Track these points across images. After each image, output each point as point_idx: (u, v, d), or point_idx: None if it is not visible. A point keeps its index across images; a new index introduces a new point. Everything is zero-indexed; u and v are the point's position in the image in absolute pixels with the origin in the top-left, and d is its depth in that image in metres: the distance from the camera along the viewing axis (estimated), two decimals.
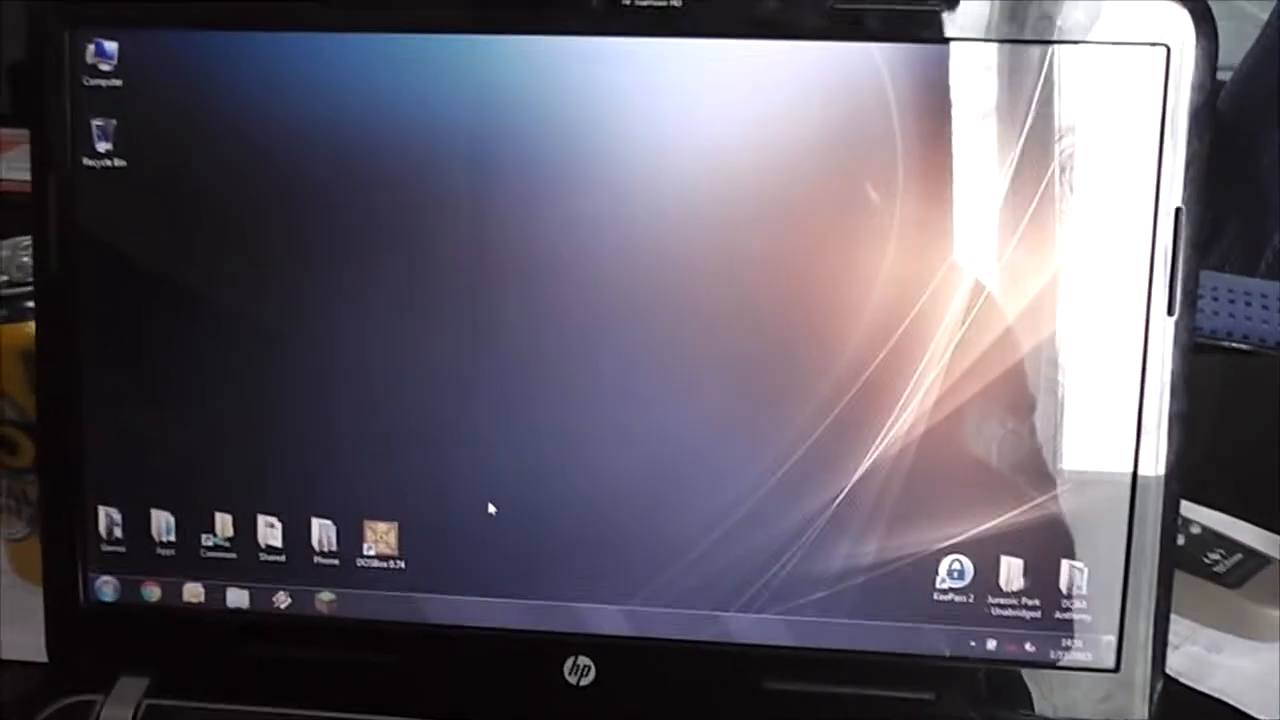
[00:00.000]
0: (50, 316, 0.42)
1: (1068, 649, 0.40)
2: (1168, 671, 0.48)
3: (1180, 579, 0.52)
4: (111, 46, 0.40)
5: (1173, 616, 0.51)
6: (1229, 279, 0.79)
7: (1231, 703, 0.47)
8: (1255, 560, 0.52)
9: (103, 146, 0.40)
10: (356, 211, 0.40)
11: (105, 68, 0.40)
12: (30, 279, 0.46)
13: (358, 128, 0.40)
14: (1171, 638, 0.50)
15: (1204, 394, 0.40)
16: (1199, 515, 0.55)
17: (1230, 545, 0.53)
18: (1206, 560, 0.52)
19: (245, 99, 0.40)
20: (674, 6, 0.38)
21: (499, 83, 0.39)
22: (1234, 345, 0.74)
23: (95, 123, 0.40)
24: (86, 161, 0.41)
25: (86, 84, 0.40)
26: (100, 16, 0.40)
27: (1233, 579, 0.51)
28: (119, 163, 0.41)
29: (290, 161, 0.40)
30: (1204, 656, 0.50)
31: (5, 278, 0.48)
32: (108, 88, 0.40)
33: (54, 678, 0.43)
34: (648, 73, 0.39)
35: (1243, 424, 0.66)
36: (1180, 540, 0.53)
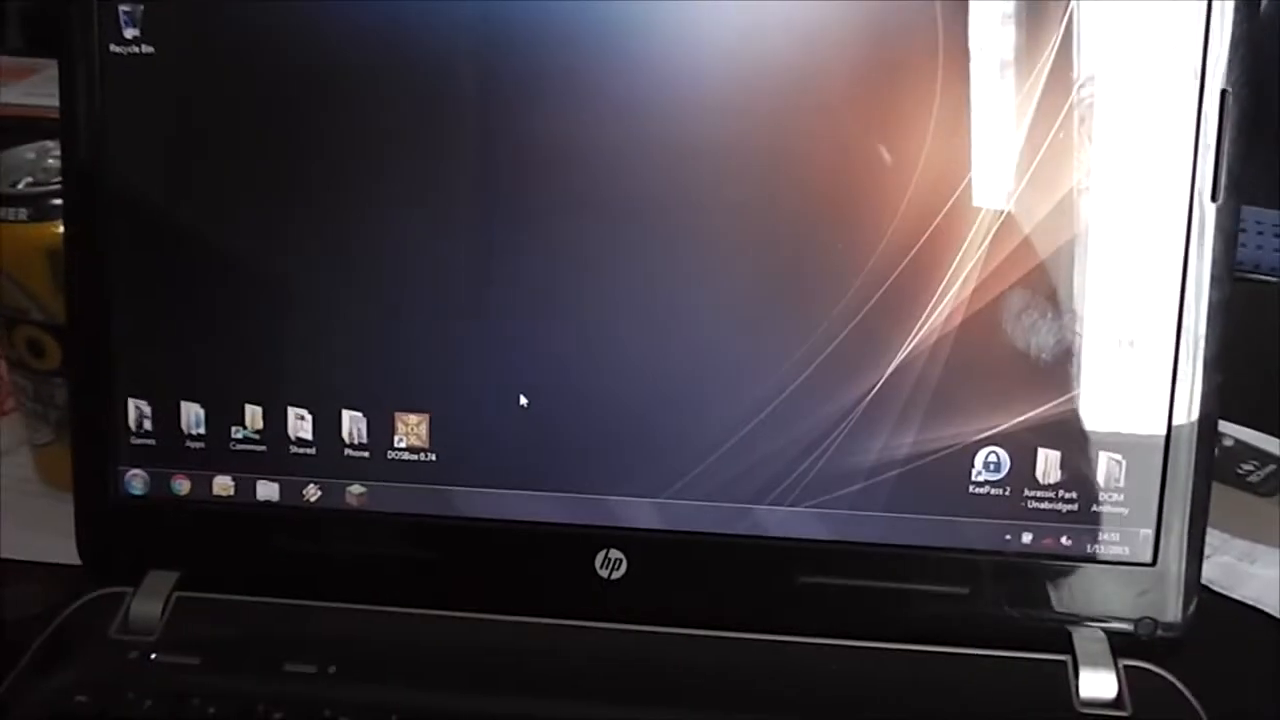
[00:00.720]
0: (78, 208, 0.42)
1: (1104, 543, 0.40)
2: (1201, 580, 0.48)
3: (1214, 490, 0.52)
4: None
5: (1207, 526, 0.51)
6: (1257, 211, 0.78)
7: (1266, 609, 0.47)
8: None
9: (130, 33, 0.40)
10: (381, 102, 0.40)
11: None
12: (56, 181, 0.46)
13: (381, 17, 0.39)
14: (1204, 548, 0.50)
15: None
16: (1233, 430, 0.54)
17: (1264, 457, 0.52)
18: (1240, 471, 0.52)
19: None
20: None
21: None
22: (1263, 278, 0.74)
23: (123, 8, 0.40)
24: (114, 48, 0.40)
25: None
26: None
27: (1266, 489, 0.51)
28: (146, 49, 0.40)
29: (315, 52, 0.40)
30: (1236, 566, 0.49)
31: (30, 179, 0.48)
32: None
33: (85, 571, 0.43)
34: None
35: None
36: (1215, 452, 0.53)
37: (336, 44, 0.39)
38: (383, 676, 0.39)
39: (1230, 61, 0.37)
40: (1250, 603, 0.47)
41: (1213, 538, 0.50)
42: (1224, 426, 0.54)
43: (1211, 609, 0.47)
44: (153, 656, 0.40)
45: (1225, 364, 0.39)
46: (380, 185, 0.40)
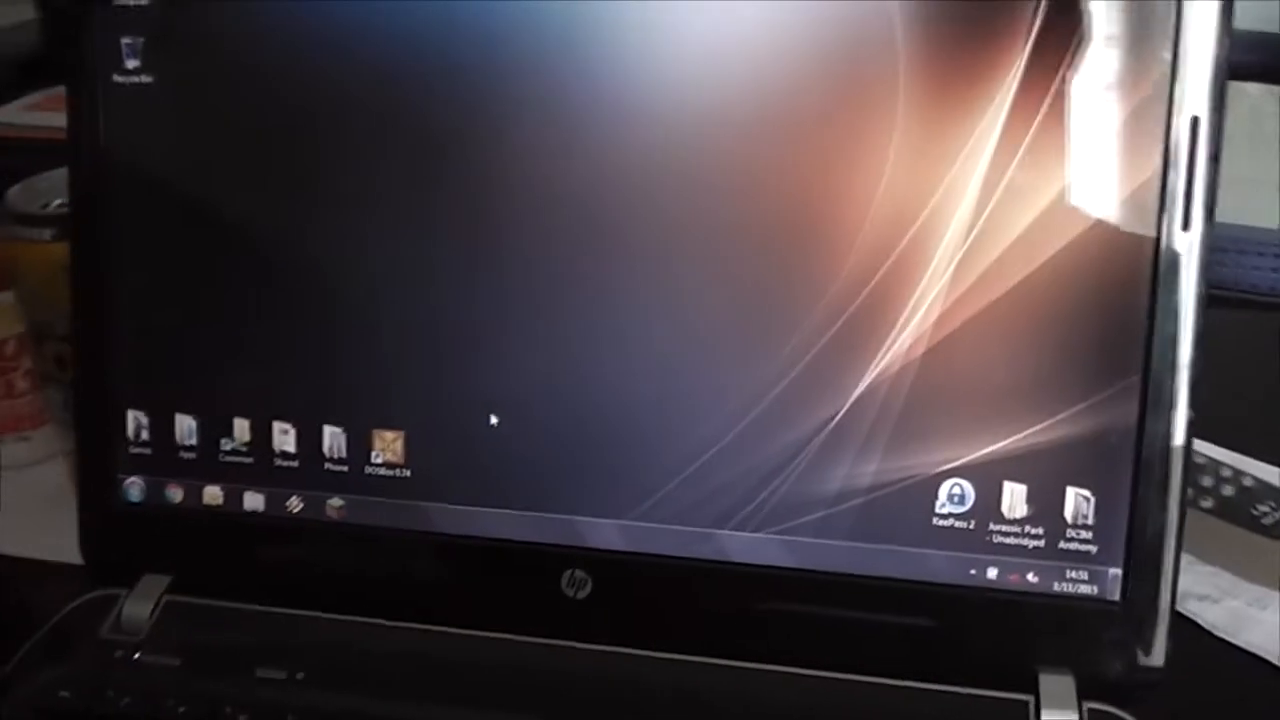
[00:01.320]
0: (83, 229, 0.44)
1: (1071, 580, 0.39)
2: (1204, 625, 0.47)
3: (1228, 532, 0.50)
4: None
5: (1216, 569, 0.49)
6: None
7: (1268, 658, 0.45)
8: None
9: (131, 63, 0.42)
10: (364, 133, 0.41)
11: None
12: None
13: (369, 43, 0.41)
14: (1213, 591, 0.49)
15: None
16: (1251, 468, 0.52)
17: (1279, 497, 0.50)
18: (1255, 512, 0.50)
19: (264, 16, 0.41)
20: None
21: (535, 23, 0.40)
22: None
23: (125, 41, 0.42)
24: (116, 78, 0.42)
25: (116, 4, 0.42)
26: None
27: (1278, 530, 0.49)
28: (145, 79, 0.42)
29: (304, 78, 0.41)
30: (1245, 611, 0.48)
31: (59, 200, 0.51)
32: (135, 7, 0.42)
33: (87, 572, 0.45)
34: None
35: None
36: (1230, 491, 0.51)
37: (323, 78, 0.41)
38: (349, 684, 0.41)
39: (1200, 88, 0.36)
40: (1254, 650, 0.46)
41: (1222, 581, 0.49)
42: (1243, 463, 0.53)
43: (1207, 655, 0.46)
44: (136, 657, 0.42)
45: (1198, 397, 0.37)
46: (362, 214, 0.41)
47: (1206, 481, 0.51)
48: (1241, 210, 0.63)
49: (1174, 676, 0.39)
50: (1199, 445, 0.54)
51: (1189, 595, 0.49)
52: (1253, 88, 1.27)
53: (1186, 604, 0.48)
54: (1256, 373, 0.62)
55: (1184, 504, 0.38)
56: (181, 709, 0.40)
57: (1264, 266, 0.67)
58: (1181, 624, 0.47)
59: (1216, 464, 0.52)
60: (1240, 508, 0.50)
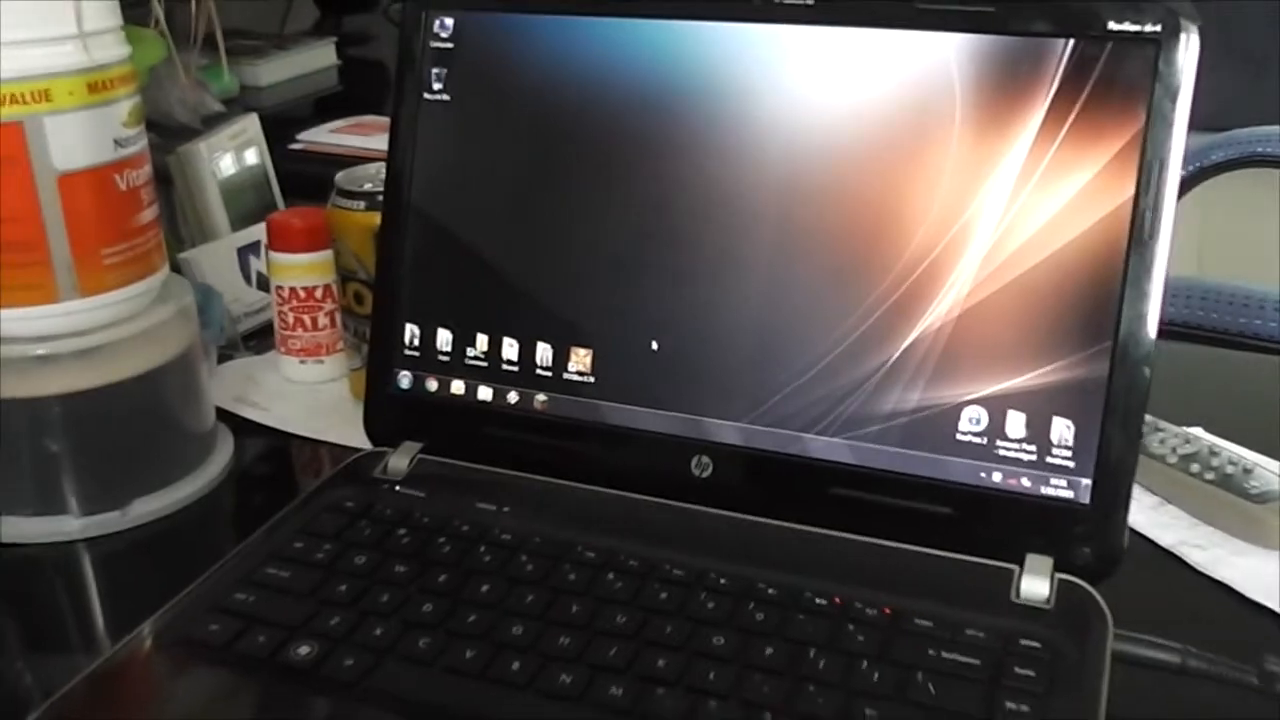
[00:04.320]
0: (392, 203, 0.64)
1: (1054, 485, 0.53)
2: (1189, 561, 0.60)
3: (1226, 502, 0.63)
4: (449, 20, 0.62)
5: (1212, 529, 0.63)
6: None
7: (1235, 588, 0.59)
8: None
9: (436, 86, 0.62)
10: (595, 139, 0.60)
11: (443, 34, 0.62)
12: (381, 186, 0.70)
13: (603, 71, 0.60)
14: (1204, 543, 0.63)
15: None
16: (1250, 456, 0.66)
17: (1268, 477, 0.63)
18: (1246, 486, 0.63)
19: (531, 54, 0.61)
20: (807, 5, 0.56)
21: (693, 58, 0.58)
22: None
23: (433, 70, 0.62)
24: (426, 96, 0.63)
25: (430, 45, 0.62)
26: (443, 1, 0.62)
27: (1263, 499, 0.62)
28: (445, 97, 0.62)
29: (557, 96, 0.61)
30: (1226, 557, 0.61)
31: (370, 184, 0.71)
32: (442, 48, 0.62)
33: (367, 438, 0.65)
34: (785, 51, 0.56)
35: None
36: (1231, 470, 0.64)
37: (571, 96, 0.60)
38: (538, 518, 0.58)
39: (1165, 137, 0.51)
40: (1225, 581, 0.59)
41: (1215, 536, 0.63)
42: (1243, 453, 0.66)
43: (1180, 580, 0.59)
44: (396, 489, 0.61)
45: (1153, 359, 0.52)
46: (582, 199, 0.60)
47: (1215, 462, 0.65)
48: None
49: (1147, 589, 0.53)
50: (1211, 436, 0.68)
51: (1186, 544, 0.62)
52: None
53: (1182, 549, 0.62)
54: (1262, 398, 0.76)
55: (1140, 435, 0.53)
56: (425, 520, 0.58)
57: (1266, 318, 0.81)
58: (1172, 561, 0.61)
59: (1223, 449, 0.65)
60: (1236, 482, 0.63)
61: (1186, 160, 1.66)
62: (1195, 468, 0.64)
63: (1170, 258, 0.52)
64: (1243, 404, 0.78)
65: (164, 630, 0.52)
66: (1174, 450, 0.66)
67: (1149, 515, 0.64)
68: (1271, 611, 0.56)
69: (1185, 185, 1.47)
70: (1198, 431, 0.69)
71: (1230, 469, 0.64)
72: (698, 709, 0.47)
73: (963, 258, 0.54)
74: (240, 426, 0.73)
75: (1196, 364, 0.86)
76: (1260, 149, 1.45)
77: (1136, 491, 0.64)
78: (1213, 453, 0.65)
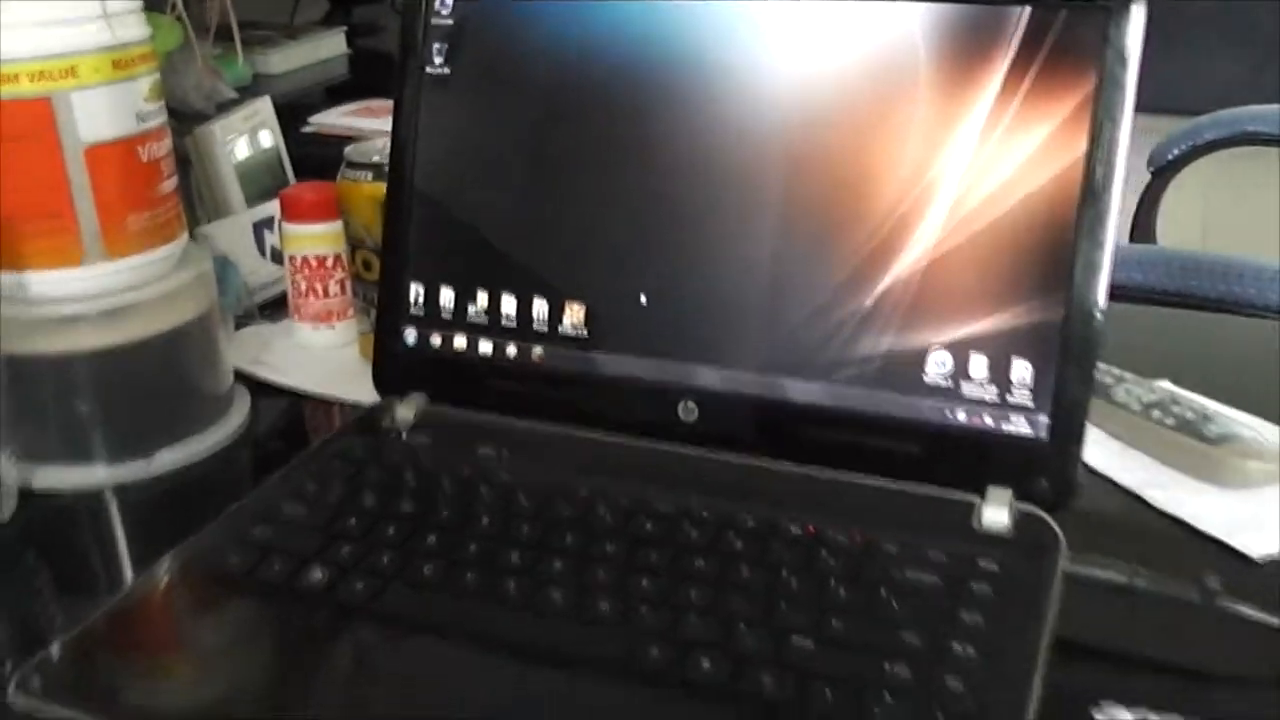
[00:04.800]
0: (396, 171, 0.68)
1: (1014, 424, 0.57)
2: (1150, 500, 0.64)
3: (1183, 443, 0.67)
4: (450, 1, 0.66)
5: (1174, 472, 0.66)
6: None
7: (1191, 523, 0.62)
8: (1239, 429, 0.66)
9: (437, 60, 0.67)
10: (588, 106, 0.64)
11: (444, 12, 0.66)
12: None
13: (596, 46, 0.64)
14: (1168, 484, 0.66)
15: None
16: (1210, 404, 0.69)
17: (1225, 422, 0.67)
18: (1204, 431, 0.67)
19: (527, 30, 0.65)
20: None
21: (679, 33, 0.62)
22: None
23: (435, 46, 0.67)
24: (428, 70, 0.67)
25: (432, 22, 0.66)
26: None
27: (1219, 441, 0.66)
28: (445, 71, 0.66)
29: (550, 69, 0.65)
30: (1184, 496, 0.65)
31: (377, 157, 0.76)
32: (443, 25, 0.66)
33: (376, 390, 0.69)
34: (763, 23, 0.60)
35: None
36: (1190, 416, 0.68)
37: (562, 68, 0.64)
38: (535, 461, 0.63)
39: (1116, 98, 0.55)
40: (1185, 519, 0.63)
41: (1177, 477, 0.66)
42: (1206, 402, 0.70)
43: (1140, 518, 0.63)
44: (403, 437, 0.65)
45: (1102, 306, 0.56)
46: (571, 165, 0.64)
47: (1176, 409, 0.69)
48: None
49: (1108, 526, 0.57)
50: (1174, 387, 0.72)
51: (1149, 484, 0.66)
52: None
53: (1143, 490, 0.66)
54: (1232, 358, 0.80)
55: (1093, 377, 0.57)
56: (429, 464, 0.62)
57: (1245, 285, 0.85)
58: (1135, 502, 0.65)
59: (1184, 398, 0.69)
60: (1195, 427, 0.67)
61: (1180, 140, 1.72)
62: (1157, 414, 0.68)
63: (1120, 210, 0.56)
64: (1212, 362, 0.82)
65: (186, 561, 0.56)
66: (1138, 399, 0.70)
67: (1113, 460, 0.68)
68: (1222, 543, 0.60)
69: (1179, 163, 1.52)
70: (1163, 384, 0.72)
71: (1190, 415, 0.68)
72: (680, 623, 0.51)
73: (929, 212, 0.58)
74: (256, 388, 0.78)
75: (1174, 328, 0.90)
76: (1251, 128, 1.49)
77: (1102, 437, 0.68)
78: (1174, 401, 0.69)
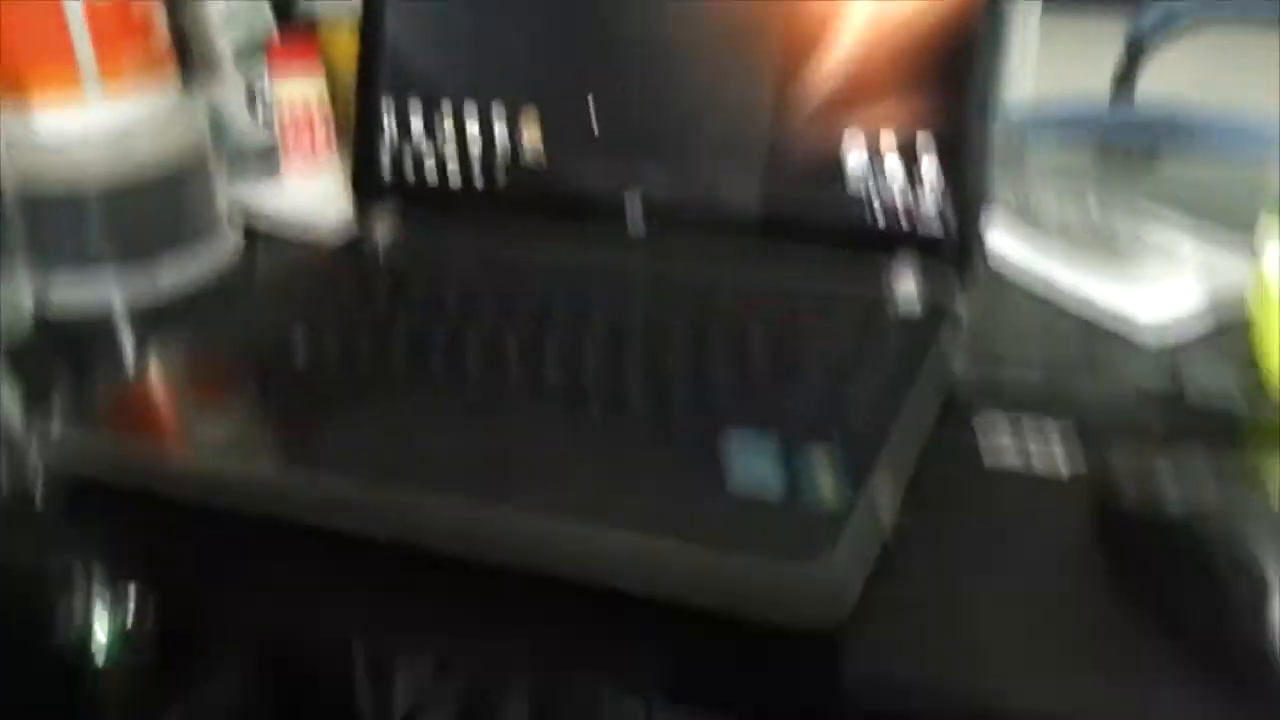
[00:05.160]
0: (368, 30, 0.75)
1: (925, 219, 0.64)
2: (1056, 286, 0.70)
3: (1099, 242, 0.73)
4: None
5: (1084, 270, 0.73)
6: None
7: (1092, 303, 0.69)
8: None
9: None
10: None
11: None
12: None
13: None
14: (1076, 279, 0.72)
15: None
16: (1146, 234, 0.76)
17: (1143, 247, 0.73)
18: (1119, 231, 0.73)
19: None
20: None
21: None
22: None
23: None
24: None
25: None
26: None
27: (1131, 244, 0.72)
28: None
29: None
30: (1092, 284, 0.71)
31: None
32: None
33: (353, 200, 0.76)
34: None
35: None
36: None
37: None
38: (497, 269, 0.69)
39: None
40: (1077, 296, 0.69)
41: (1089, 274, 0.73)
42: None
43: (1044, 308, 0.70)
44: (378, 255, 0.72)
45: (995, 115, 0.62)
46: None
47: (1094, 214, 0.75)
48: None
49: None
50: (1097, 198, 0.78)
51: (1054, 271, 0.72)
52: None
53: (1054, 279, 0.72)
54: None
55: (990, 182, 0.63)
56: (400, 274, 0.70)
57: None
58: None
59: (1115, 221, 0.76)
60: (1111, 245, 0.73)
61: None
62: (1076, 231, 0.75)
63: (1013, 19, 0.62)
64: None
65: (184, 346, 0.64)
66: (1061, 218, 0.76)
67: (1032, 258, 0.74)
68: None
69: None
70: (1092, 201, 0.79)
71: (1109, 235, 0.74)
72: (621, 375, 0.58)
73: (843, 21, 0.64)
74: (248, 225, 0.85)
75: None
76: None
77: (1019, 241, 0.75)
78: (1098, 221, 0.75)
